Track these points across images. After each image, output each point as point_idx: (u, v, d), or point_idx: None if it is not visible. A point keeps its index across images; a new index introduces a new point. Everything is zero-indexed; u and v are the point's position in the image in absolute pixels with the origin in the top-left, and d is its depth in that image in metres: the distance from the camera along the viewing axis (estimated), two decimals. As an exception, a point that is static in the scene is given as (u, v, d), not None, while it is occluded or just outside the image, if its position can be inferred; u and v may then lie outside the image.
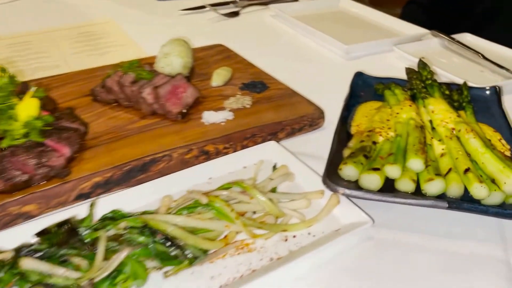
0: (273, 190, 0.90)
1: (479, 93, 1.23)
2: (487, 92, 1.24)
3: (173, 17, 1.82)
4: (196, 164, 0.91)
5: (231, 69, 1.26)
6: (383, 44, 1.53)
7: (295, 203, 0.86)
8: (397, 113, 1.05)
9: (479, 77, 1.40)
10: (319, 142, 1.10)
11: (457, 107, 1.15)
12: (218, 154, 0.96)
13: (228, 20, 1.80)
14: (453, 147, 0.94)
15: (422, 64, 1.21)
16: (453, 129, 0.99)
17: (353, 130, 1.08)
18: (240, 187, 0.85)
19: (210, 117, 1.04)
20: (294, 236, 0.79)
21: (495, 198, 0.84)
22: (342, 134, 1.04)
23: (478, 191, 0.83)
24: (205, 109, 1.06)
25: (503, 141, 1.04)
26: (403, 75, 1.23)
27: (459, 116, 1.01)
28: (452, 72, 1.36)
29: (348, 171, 0.89)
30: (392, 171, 0.88)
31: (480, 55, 1.46)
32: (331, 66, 1.48)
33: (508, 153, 0.99)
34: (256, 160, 0.95)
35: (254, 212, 0.85)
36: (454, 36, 1.57)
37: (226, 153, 0.98)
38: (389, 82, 1.22)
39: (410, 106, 1.06)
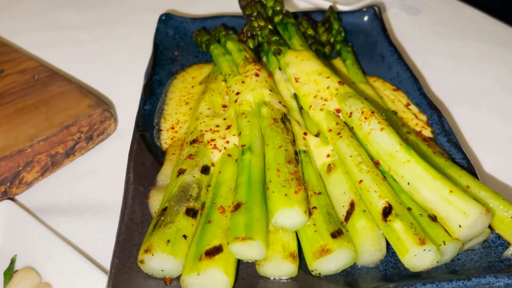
0: None
1: (352, 20, 0.80)
2: (365, 18, 0.80)
3: None
4: None
5: None
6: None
7: None
8: (237, 94, 0.57)
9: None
10: (110, 172, 0.58)
11: (327, 56, 0.71)
12: None
13: None
14: (347, 152, 0.49)
15: (264, -11, 0.72)
16: (338, 111, 0.54)
17: (165, 140, 0.58)
18: None
19: None
20: None
21: (445, 255, 0.43)
22: (144, 158, 0.54)
23: (419, 260, 0.41)
24: None
25: (413, 108, 0.62)
26: (239, 10, 0.74)
27: (341, 82, 0.56)
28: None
29: (159, 263, 0.41)
30: (247, 251, 0.41)
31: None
32: (129, 12, 0.93)
33: (428, 131, 0.58)
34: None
35: None
36: None
37: None
38: (217, 27, 0.73)
39: (257, 75, 0.58)
